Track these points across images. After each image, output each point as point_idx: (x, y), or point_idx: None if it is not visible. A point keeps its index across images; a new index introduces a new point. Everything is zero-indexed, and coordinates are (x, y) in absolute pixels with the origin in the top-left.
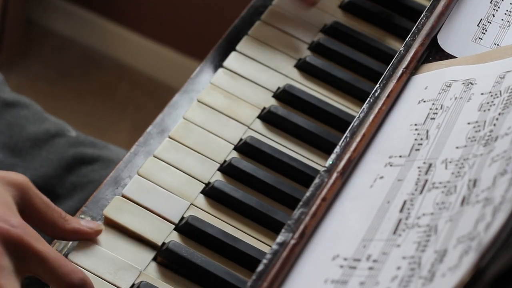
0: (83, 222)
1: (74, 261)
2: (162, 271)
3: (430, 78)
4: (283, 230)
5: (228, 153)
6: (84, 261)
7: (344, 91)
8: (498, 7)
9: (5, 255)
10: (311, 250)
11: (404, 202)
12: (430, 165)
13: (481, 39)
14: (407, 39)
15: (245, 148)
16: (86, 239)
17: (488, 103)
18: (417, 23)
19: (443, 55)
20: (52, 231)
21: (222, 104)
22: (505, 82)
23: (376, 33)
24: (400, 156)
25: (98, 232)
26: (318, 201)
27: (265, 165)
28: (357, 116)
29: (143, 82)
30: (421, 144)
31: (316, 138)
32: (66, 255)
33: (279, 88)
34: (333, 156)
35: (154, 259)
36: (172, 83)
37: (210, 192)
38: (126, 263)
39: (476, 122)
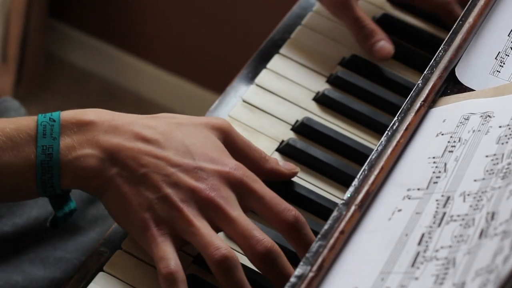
0: (281, 163)
1: None
2: None
3: (448, 111)
4: (301, 263)
5: None
6: None
7: (362, 124)
8: None
9: (229, 190)
10: (329, 283)
11: (422, 235)
12: (448, 198)
13: (499, 72)
14: (425, 72)
15: (263, 181)
16: (282, 179)
17: (506, 136)
18: (435, 56)
19: (461, 88)
20: (253, 169)
21: None
22: None
23: (394, 66)
24: (418, 189)
25: (295, 173)
26: (336, 234)
27: (284, 199)
28: (375, 149)
29: None
30: (439, 177)
31: (334, 171)
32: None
33: (297, 121)
34: (351, 189)
35: None
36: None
37: None
38: None
39: (494, 155)
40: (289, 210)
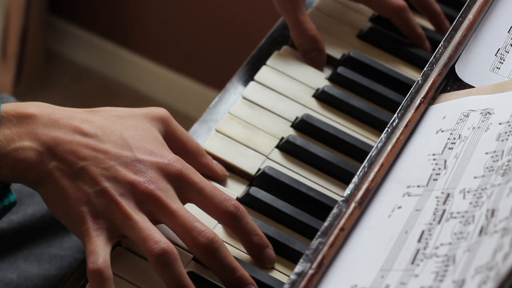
0: (215, 162)
1: None
2: None
3: (448, 108)
4: (301, 260)
5: (247, 184)
6: None
7: (362, 121)
8: None
9: (168, 182)
10: (329, 280)
11: (422, 232)
12: (448, 195)
13: (499, 68)
14: (425, 69)
15: (262, 178)
16: (211, 178)
17: (506, 132)
18: (435, 53)
19: (461, 85)
20: (189, 162)
21: (240, 134)
22: None
23: (394, 62)
24: (418, 186)
25: (224, 176)
26: (336, 231)
27: (283, 195)
28: (375, 146)
29: None
30: (439, 174)
31: (334, 168)
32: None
33: (297, 118)
34: (351, 186)
35: None
36: (191, 112)
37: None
38: None
39: (494, 152)
40: (229, 200)
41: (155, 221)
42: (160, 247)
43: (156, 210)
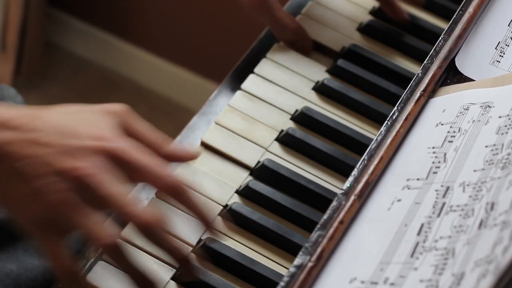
0: (180, 148)
1: None
2: None
3: (448, 101)
4: (300, 253)
5: (246, 176)
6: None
7: (362, 114)
8: None
9: (112, 165)
10: (328, 273)
11: (422, 225)
12: (447, 188)
13: (499, 62)
14: (425, 62)
15: (262, 170)
16: (182, 162)
17: (506, 126)
18: (435, 46)
19: (461, 78)
20: (154, 152)
21: (240, 126)
22: None
23: (394, 55)
24: (418, 179)
25: (194, 156)
26: (335, 224)
27: (283, 188)
28: (375, 138)
29: (161, 104)
30: (438, 167)
31: (334, 161)
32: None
33: (297, 110)
34: (350, 179)
35: None
36: (190, 105)
37: (228, 214)
38: None
39: (494, 145)
40: (170, 176)
41: (100, 207)
42: (103, 243)
43: (96, 195)
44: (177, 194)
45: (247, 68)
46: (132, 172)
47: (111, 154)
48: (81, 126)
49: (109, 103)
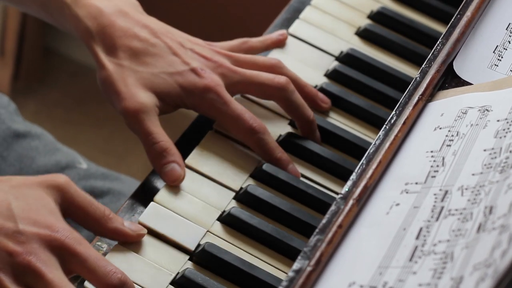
0: (126, 224)
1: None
2: None
3: (446, 105)
4: (299, 257)
5: (244, 180)
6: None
7: (360, 118)
8: None
9: (50, 253)
10: (327, 277)
11: (420, 229)
12: (446, 192)
13: (497, 65)
14: (423, 66)
15: (261, 175)
16: (127, 241)
17: (504, 129)
18: (433, 50)
19: (459, 82)
20: (95, 229)
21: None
22: None
23: (392, 60)
24: (416, 183)
25: (140, 235)
26: (334, 228)
27: (281, 192)
28: (373, 143)
29: None
30: (437, 171)
31: (332, 165)
32: (105, 254)
33: None
34: (349, 183)
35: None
36: (189, 111)
37: (227, 219)
38: None
39: (492, 149)
40: (115, 273)
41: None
42: None
43: (35, 282)
44: None
45: None
46: (71, 263)
47: (47, 241)
48: (17, 205)
49: (50, 174)
